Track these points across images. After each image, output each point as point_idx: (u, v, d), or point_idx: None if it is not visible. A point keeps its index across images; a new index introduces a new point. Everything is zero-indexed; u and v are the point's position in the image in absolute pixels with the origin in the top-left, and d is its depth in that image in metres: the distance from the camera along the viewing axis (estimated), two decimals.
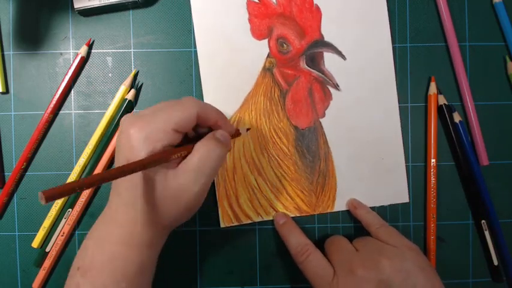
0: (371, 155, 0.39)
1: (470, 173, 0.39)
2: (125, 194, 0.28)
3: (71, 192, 0.20)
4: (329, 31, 0.38)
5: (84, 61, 0.38)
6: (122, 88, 0.38)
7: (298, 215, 0.39)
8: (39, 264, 0.37)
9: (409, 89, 0.40)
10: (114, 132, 0.37)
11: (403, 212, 0.39)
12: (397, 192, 0.39)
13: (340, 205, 0.39)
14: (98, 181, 0.22)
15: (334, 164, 0.39)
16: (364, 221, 0.37)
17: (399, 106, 0.39)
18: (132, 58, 0.39)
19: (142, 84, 0.39)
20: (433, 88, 0.39)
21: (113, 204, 0.29)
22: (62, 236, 0.37)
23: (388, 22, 0.39)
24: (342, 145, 0.39)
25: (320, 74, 0.39)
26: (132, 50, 0.39)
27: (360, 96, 0.39)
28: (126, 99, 0.38)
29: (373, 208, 0.39)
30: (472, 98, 0.39)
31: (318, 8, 0.38)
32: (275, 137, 0.39)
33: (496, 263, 0.38)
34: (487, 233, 0.39)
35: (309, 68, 0.39)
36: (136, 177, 0.27)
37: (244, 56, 0.38)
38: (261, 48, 0.39)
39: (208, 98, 0.38)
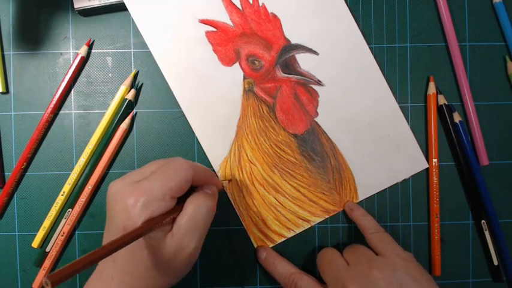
0: (376, 135, 0.39)
1: (470, 173, 0.39)
2: (121, 261, 0.28)
3: (76, 272, 0.20)
4: (293, 33, 0.38)
5: (84, 61, 0.38)
6: (122, 88, 0.38)
7: (327, 216, 0.39)
8: (39, 264, 0.37)
9: (409, 89, 0.40)
10: (114, 132, 0.37)
11: (404, 212, 0.39)
12: (414, 161, 0.39)
13: (363, 193, 0.39)
14: (103, 255, 0.22)
15: (344, 156, 0.39)
16: (359, 224, 0.37)
17: (400, 106, 0.39)
18: (132, 58, 0.39)
19: (142, 84, 0.39)
20: (432, 88, 0.39)
21: (106, 272, 0.28)
22: (62, 236, 0.37)
23: (345, 6, 0.38)
24: (344, 136, 0.39)
25: (299, 76, 0.38)
26: (132, 50, 0.39)
27: (345, 82, 0.39)
28: (126, 99, 0.38)
29: (396, 184, 0.39)
30: (472, 98, 0.39)
31: (274, 16, 0.38)
32: (278, 151, 0.38)
33: (496, 263, 0.38)
34: (487, 233, 0.39)
35: (286, 75, 0.38)
36: (133, 245, 0.26)
37: (222, 86, 0.38)
38: (235, 73, 0.38)
39: (202, 139, 0.38)
